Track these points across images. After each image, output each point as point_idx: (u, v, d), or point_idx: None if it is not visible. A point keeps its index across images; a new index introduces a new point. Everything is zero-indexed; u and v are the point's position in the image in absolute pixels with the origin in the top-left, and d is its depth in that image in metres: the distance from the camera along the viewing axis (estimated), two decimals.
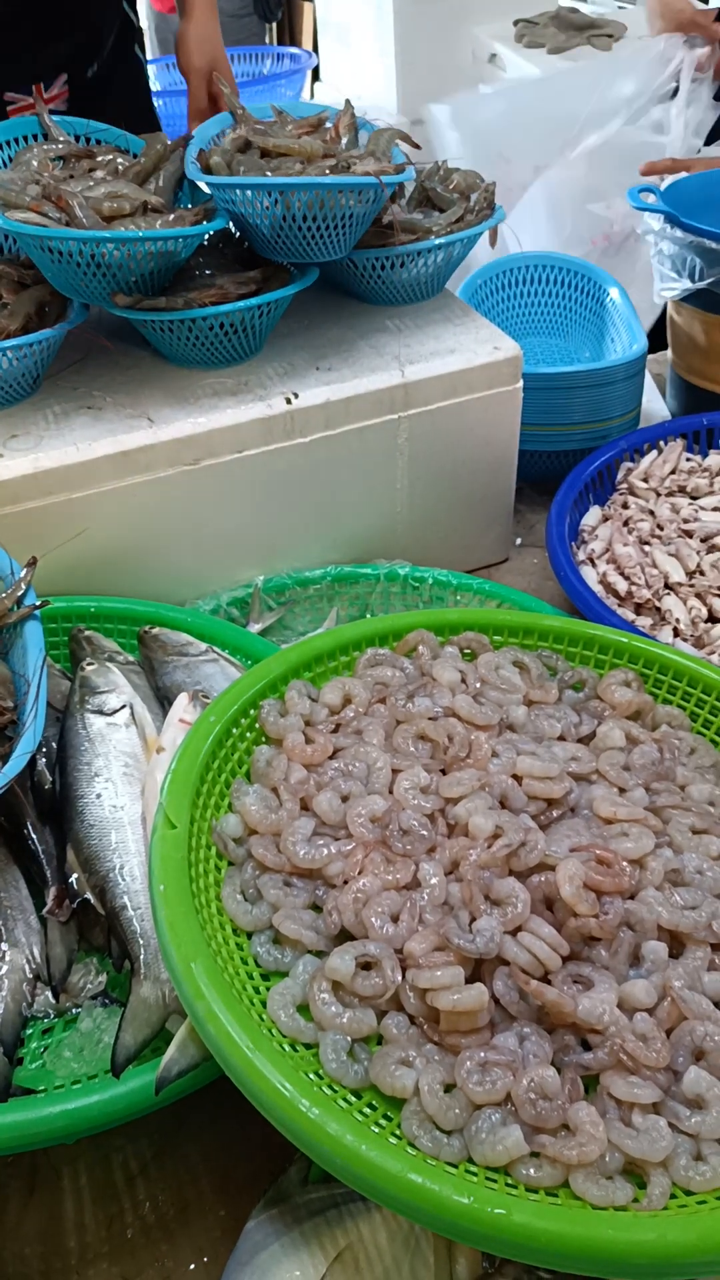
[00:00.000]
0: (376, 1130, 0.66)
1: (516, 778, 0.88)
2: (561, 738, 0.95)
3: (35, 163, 1.19)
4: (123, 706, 0.98)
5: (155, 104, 3.00)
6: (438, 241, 1.26)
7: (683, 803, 0.89)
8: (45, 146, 1.22)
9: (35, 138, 1.27)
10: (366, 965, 0.75)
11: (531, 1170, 0.66)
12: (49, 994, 0.83)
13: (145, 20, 4.03)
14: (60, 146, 1.23)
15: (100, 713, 0.97)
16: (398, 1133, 0.67)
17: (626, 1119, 0.68)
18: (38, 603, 0.99)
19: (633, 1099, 0.69)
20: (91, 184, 1.13)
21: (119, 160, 1.21)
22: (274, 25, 4.70)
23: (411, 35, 3.21)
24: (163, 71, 3.29)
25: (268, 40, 4.53)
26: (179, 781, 0.82)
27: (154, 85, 3.19)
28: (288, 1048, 0.70)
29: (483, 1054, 0.70)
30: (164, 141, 1.22)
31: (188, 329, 1.16)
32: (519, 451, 1.35)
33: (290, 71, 3.18)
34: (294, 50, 3.31)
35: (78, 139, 1.28)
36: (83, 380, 1.22)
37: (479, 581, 1.23)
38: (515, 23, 3.17)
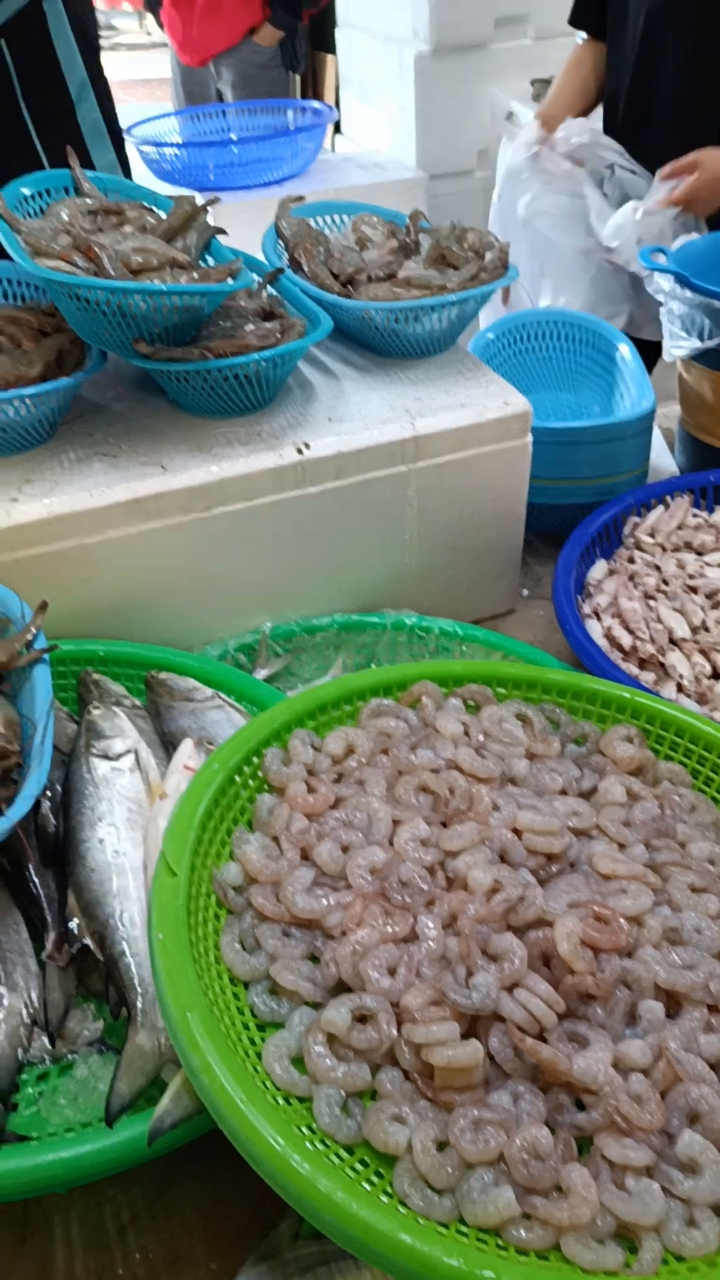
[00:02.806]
0: (368, 1188, 0.66)
1: (517, 832, 0.89)
2: (563, 792, 0.96)
3: (66, 214, 1.22)
4: (128, 751, 0.99)
5: (173, 153, 3.07)
6: (451, 298, 1.29)
7: (682, 860, 0.89)
8: (76, 200, 1.26)
9: (67, 190, 1.30)
10: (362, 1018, 0.75)
11: (523, 1232, 0.65)
12: (45, 1040, 0.83)
13: (172, 73, 4.12)
14: (91, 201, 1.26)
15: (105, 757, 0.98)
16: (389, 1190, 0.67)
17: (619, 1182, 0.68)
18: (47, 646, 1.00)
19: (626, 1161, 0.68)
20: (120, 238, 1.16)
21: (147, 218, 1.24)
22: (298, 76, 4.80)
23: (431, 92, 3.29)
24: (187, 123, 3.36)
25: (292, 91, 4.63)
26: (180, 829, 0.83)
27: (176, 137, 3.28)
28: (281, 1101, 0.70)
29: (476, 1112, 0.70)
30: (192, 202, 1.25)
31: (203, 379, 1.19)
32: (527, 504, 1.37)
33: (312, 125, 3.24)
34: (316, 104, 3.38)
35: (107, 194, 1.31)
36: (98, 427, 1.24)
37: (485, 633, 1.24)
38: (532, 83, 3.24)
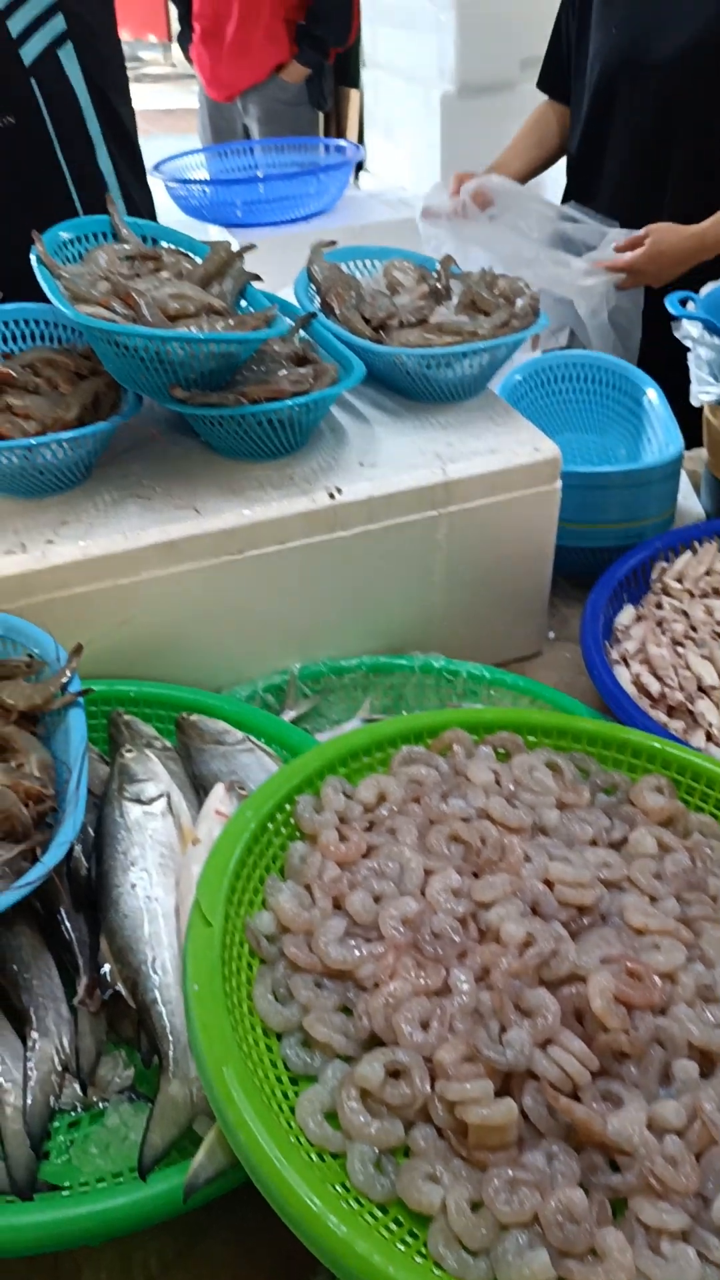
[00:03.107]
0: (402, 1248, 0.66)
1: (548, 883, 0.89)
2: (593, 842, 0.96)
3: (104, 260, 1.24)
4: (160, 795, 0.99)
5: (200, 189, 3.12)
6: (483, 345, 1.30)
7: (715, 914, 0.89)
8: (115, 246, 1.27)
9: (105, 235, 1.32)
10: (395, 1073, 0.75)
11: None
12: (77, 1086, 0.83)
13: (200, 107, 4.19)
14: (128, 247, 1.28)
15: (138, 801, 0.98)
16: (423, 1251, 0.67)
17: (655, 1246, 0.68)
18: (81, 690, 1.01)
19: (661, 1225, 0.68)
20: (157, 284, 1.17)
21: (184, 263, 1.26)
22: (322, 114, 4.87)
23: (457, 132, 3.33)
24: (214, 160, 3.41)
25: (318, 129, 4.69)
26: (214, 877, 0.84)
27: (203, 173, 3.33)
28: (315, 1157, 0.70)
29: (510, 1172, 0.70)
30: (227, 249, 1.26)
31: (237, 423, 1.20)
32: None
33: (339, 164, 3.28)
34: (342, 143, 3.42)
35: (144, 239, 1.33)
36: (133, 469, 1.25)
37: (513, 677, 1.24)
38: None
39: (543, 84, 2.27)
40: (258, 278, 1.31)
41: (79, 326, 1.17)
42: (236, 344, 1.13)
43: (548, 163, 2.29)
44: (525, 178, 2.26)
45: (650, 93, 1.95)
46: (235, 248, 1.32)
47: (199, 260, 1.31)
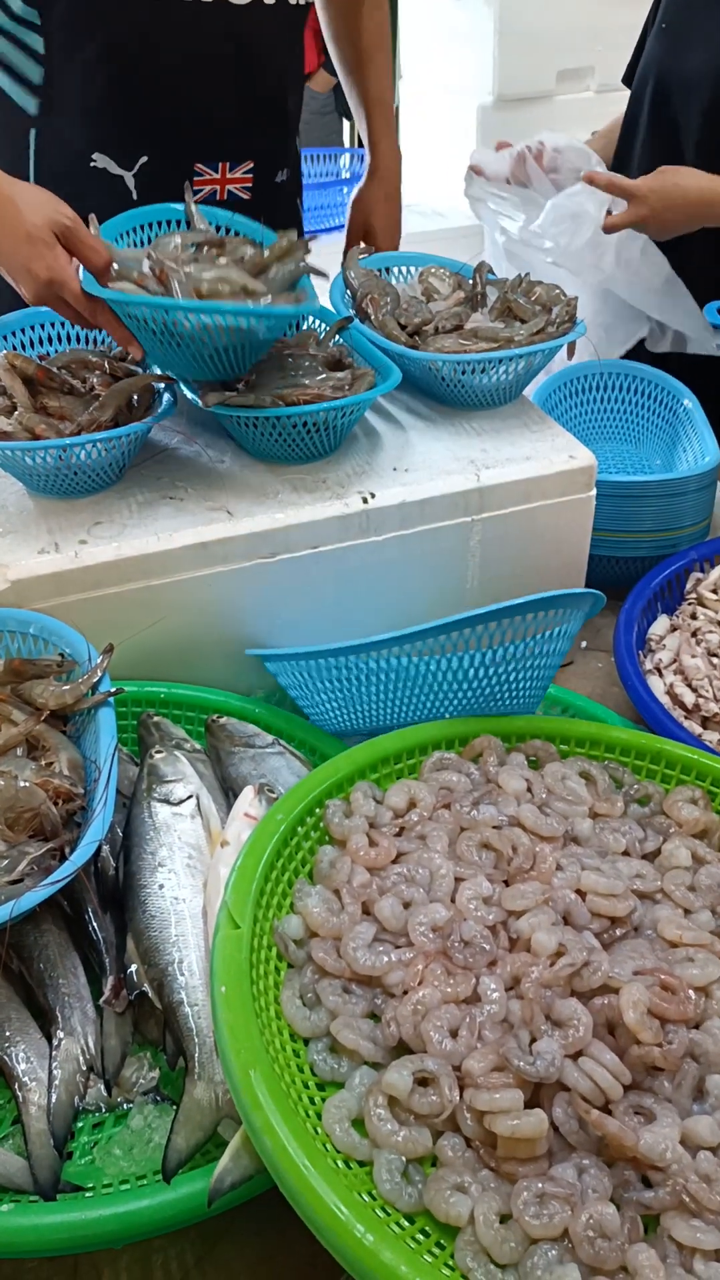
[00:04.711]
0: (429, 1259, 0.65)
1: (580, 893, 0.87)
2: (626, 853, 0.95)
3: (173, 245, 1.21)
4: (189, 796, 0.99)
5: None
6: (519, 351, 1.29)
7: None
8: (186, 234, 1.26)
9: (178, 224, 1.33)
10: (423, 1081, 0.74)
11: None
12: (101, 1087, 0.83)
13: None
14: (198, 235, 1.26)
15: (167, 802, 0.98)
16: (450, 1263, 0.66)
17: (688, 1265, 0.66)
18: (112, 690, 1.01)
19: (695, 1244, 0.67)
20: (207, 267, 1.14)
21: (247, 250, 1.23)
22: (351, 122, 4.88)
23: (493, 142, 3.32)
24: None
25: (345, 138, 4.70)
26: (244, 880, 0.83)
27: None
28: (341, 1164, 0.69)
29: (540, 1185, 0.68)
30: (291, 238, 1.22)
31: (272, 425, 1.20)
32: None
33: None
34: None
35: (218, 229, 1.33)
36: (166, 471, 1.25)
37: None
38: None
39: (627, 78, 2.12)
40: (322, 274, 1.26)
41: (101, 297, 1.15)
42: (247, 318, 1.10)
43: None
44: None
45: (674, 107, 1.83)
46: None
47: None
